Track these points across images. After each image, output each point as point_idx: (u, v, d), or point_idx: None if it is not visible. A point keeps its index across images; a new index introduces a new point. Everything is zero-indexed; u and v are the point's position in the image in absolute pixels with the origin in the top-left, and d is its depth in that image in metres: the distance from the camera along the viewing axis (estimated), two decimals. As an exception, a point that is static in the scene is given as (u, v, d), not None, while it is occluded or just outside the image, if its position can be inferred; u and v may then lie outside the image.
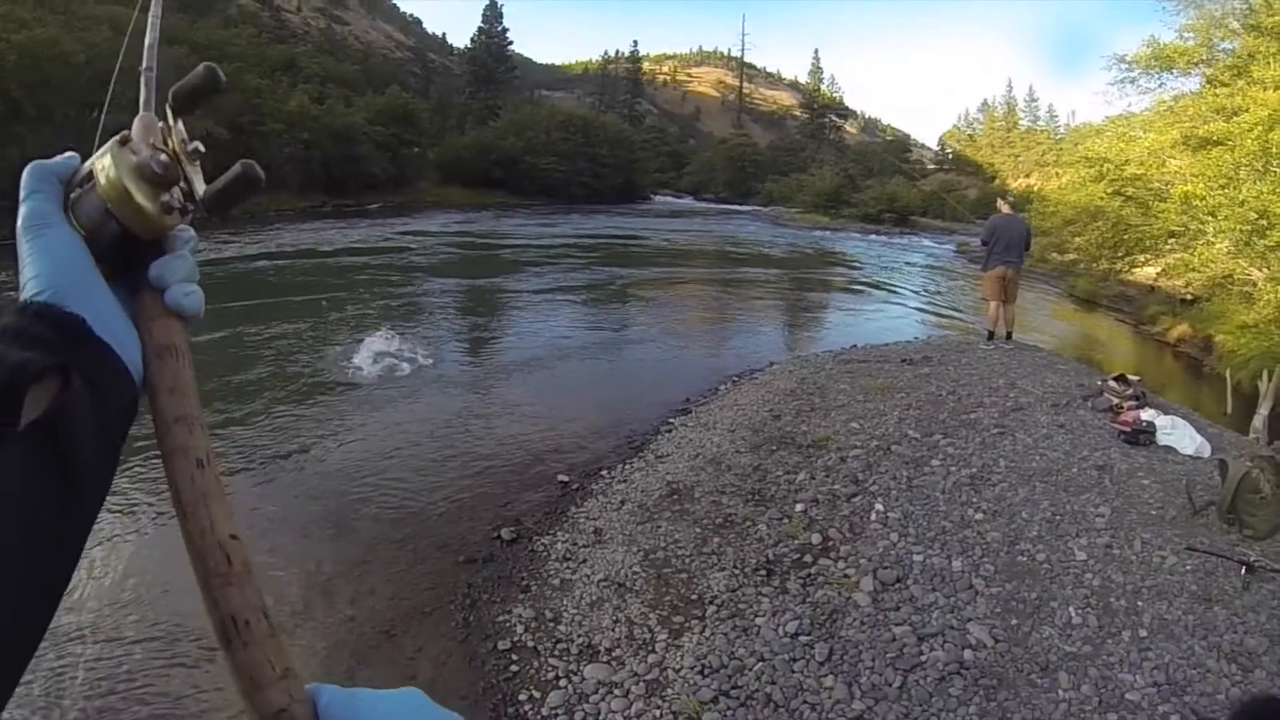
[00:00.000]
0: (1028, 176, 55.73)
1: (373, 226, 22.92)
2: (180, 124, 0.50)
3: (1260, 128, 12.49)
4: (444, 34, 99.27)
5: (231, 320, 8.87)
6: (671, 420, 6.70)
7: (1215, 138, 14.15)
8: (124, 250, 0.46)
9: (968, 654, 3.16)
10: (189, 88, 0.50)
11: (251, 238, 18.19)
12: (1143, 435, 5.62)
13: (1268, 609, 3.51)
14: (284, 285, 12.17)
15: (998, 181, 56.49)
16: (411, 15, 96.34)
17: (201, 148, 0.51)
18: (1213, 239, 13.87)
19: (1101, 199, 17.48)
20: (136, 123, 0.50)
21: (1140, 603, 3.54)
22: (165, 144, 0.49)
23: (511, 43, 58.93)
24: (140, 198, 0.45)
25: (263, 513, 4.62)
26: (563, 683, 3.07)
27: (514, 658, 3.28)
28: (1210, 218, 13.32)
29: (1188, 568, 3.84)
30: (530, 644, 3.36)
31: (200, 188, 0.50)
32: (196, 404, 0.46)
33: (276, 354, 7.86)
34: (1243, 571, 3.74)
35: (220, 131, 24.02)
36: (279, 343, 8.28)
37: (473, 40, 58.42)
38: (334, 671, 3.20)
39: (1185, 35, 17.03)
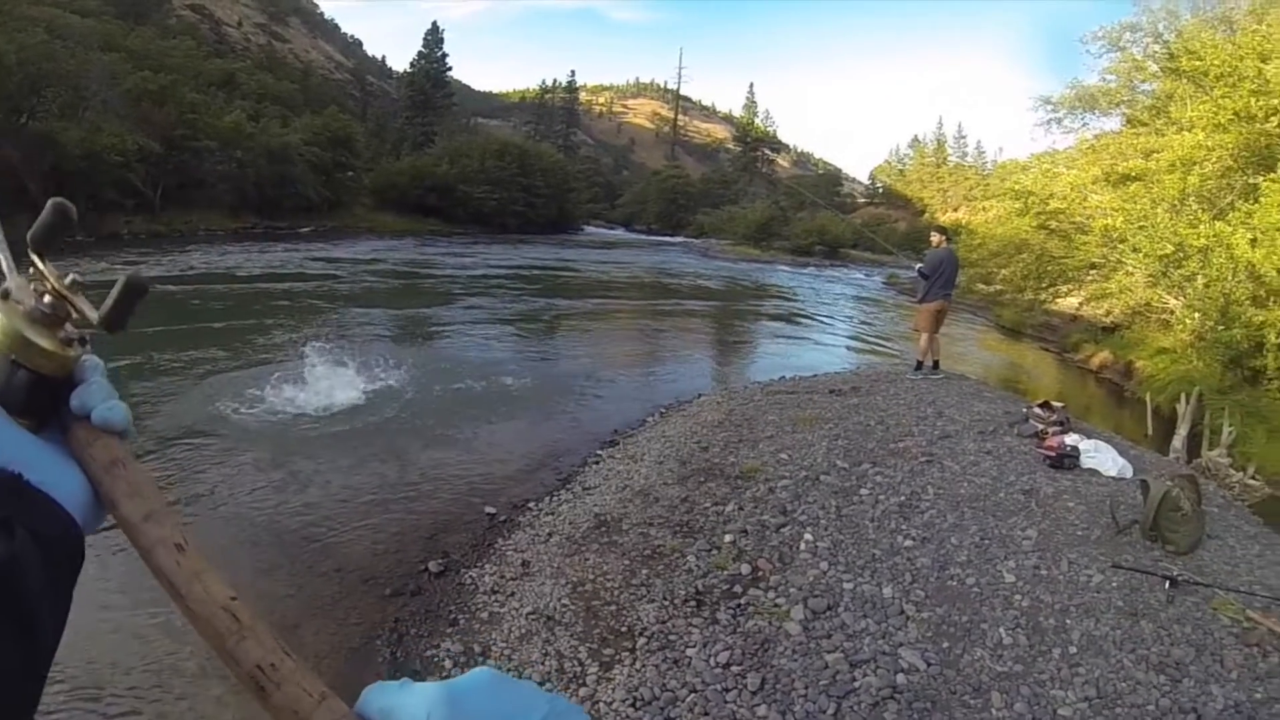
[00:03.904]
0: (956, 210, 57.47)
1: (304, 250, 22.33)
2: (48, 264, 0.51)
3: (1180, 170, 13.15)
4: (384, 56, 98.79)
5: (145, 345, 8.43)
6: (599, 452, 6.61)
7: (1134, 174, 14.87)
8: (39, 394, 0.48)
9: (901, 678, 3.14)
10: (44, 228, 0.51)
11: (178, 258, 17.58)
12: (1067, 459, 5.74)
13: (1192, 620, 3.59)
14: (206, 311, 11.70)
15: (927, 215, 58.14)
16: (352, 36, 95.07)
17: (79, 278, 0.51)
18: (1132, 269, 14.50)
19: (1026, 232, 18.23)
20: (11, 286, 0.50)
21: (1069, 621, 3.57)
22: (44, 285, 0.50)
23: (451, 68, 58.39)
24: (41, 340, 0.47)
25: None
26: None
27: (443, 694, 3.13)
28: (1133, 253, 13.93)
29: (1114, 585, 3.90)
30: (460, 679, 3.22)
31: (91, 313, 0.51)
32: (159, 498, 0.48)
33: (192, 384, 7.48)
34: (1167, 586, 3.83)
35: (153, 146, 23.33)
36: (194, 371, 7.90)
37: (412, 64, 57.80)
38: (252, 712, 2.99)
39: (1107, 77, 17.98)
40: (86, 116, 22.21)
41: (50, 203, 0.50)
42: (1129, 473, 5.61)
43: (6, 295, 0.48)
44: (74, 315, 0.50)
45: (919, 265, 9.33)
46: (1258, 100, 12.04)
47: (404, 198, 39.70)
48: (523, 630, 3.58)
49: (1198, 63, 13.70)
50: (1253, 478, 7.11)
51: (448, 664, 3.37)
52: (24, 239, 0.52)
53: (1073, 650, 3.35)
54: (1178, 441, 8.33)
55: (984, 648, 3.37)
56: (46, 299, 0.48)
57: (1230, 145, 12.90)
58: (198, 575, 0.44)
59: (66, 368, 0.49)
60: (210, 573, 0.45)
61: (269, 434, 6.37)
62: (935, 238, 9.44)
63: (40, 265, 0.50)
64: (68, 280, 0.50)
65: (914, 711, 2.96)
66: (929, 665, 3.23)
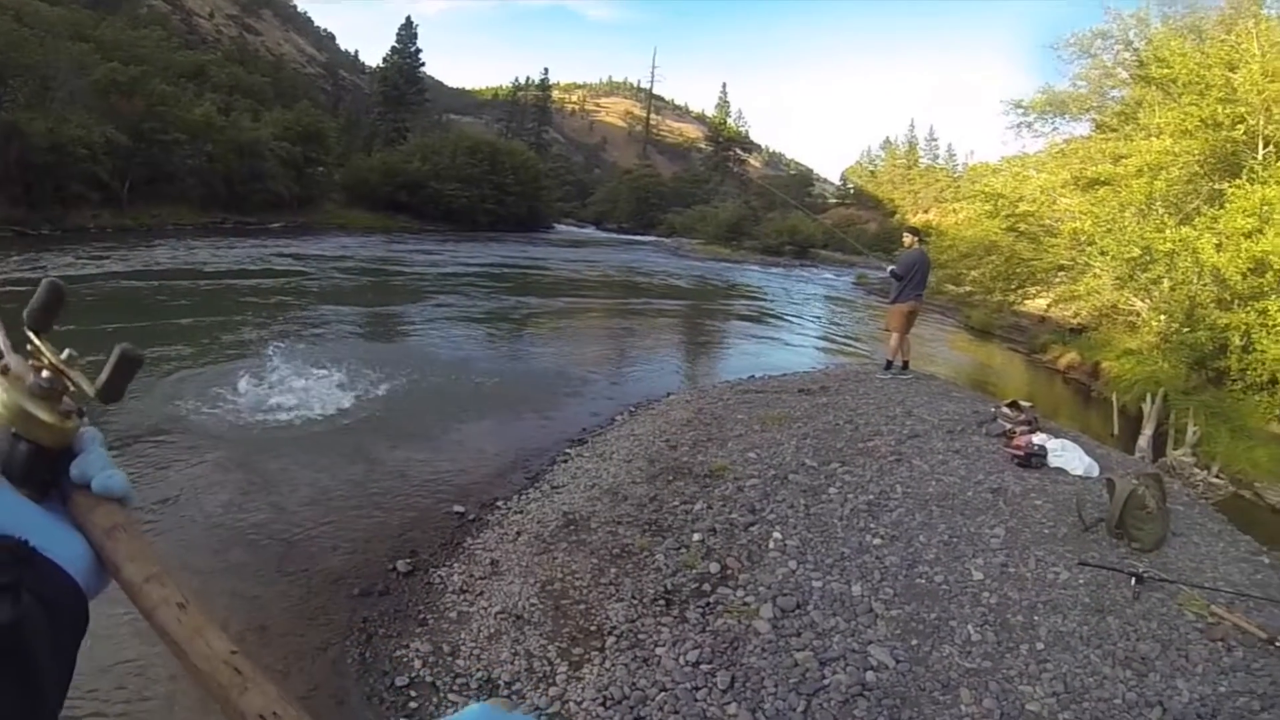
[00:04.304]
0: (926, 212, 57.84)
1: (273, 246, 21.81)
2: (45, 341, 0.54)
3: (1147, 175, 13.35)
4: (357, 51, 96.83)
5: (109, 343, 8.14)
6: (568, 450, 6.54)
7: (1103, 178, 15.08)
8: (40, 465, 0.51)
9: (870, 676, 3.14)
10: (39, 307, 0.54)
11: (145, 253, 17.14)
12: (1035, 458, 5.80)
13: (1158, 616, 3.64)
14: (170, 307, 11.42)
15: (898, 216, 58.48)
16: (325, 30, 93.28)
17: (75, 354, 0.54)
18: (1099, 272, 14.71)
19: (996, 234, 18.44)
20: (11, 363, 0.53)
21: (1036, 617, 3.60)
22: (42, 361, 0.53)
23: (424, 64, 57.49)
24: (42, 414, 0.50)
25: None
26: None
27: (412, 694, 3.13)
28: (1101, 256, 14.12)
29: (1080, 581, 3.94)
30: (429, 679, 3.22)
31: (88, 387, 0.53)
32: (158, 562, 0.50)
33: (156, 381, 7.28)
34: (1133, 582, 3.88)
35: (121, 138, 22.81)
36: (160, 369, 7.66)
37: (385, 60, 56.95)
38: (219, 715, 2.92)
39: (1078, 83, 18.24)
40: (53, 107, 21.66)
41: (44, 283, 0.55)
42: (1095, 471, 5.68)
43: (6, 371, 0.52)
44: (71, 389, 0.53)
45: (891, 266, 9.38)
46: (1224, 108, 12.24)
47: (375, 194, 39.07)
48: (492, 630, 3.52)
49: (1167, 70, 13.91)
50: (1216, 476, 7.25)
51: (417, 664, 3.30)
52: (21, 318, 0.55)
53: (1040, 646, 3.37)
54: (1143, 441, 8.47)
55: (953, 645, 3.38)
56: (45, 374, 0.52)
57: (1197, 152, 13.10)
58: (199, 631, 0.46)
59: (66, 439, 0.52)
60: (211, 628, 0.47)
61: (234, 433, 6.23)
62: (908, 239, 9.51)
63: (38, 343, 0.54)
64: (64, 356, 0.54)
65: (883, 708, 2.96)
66: (898, 662, 3.24)
